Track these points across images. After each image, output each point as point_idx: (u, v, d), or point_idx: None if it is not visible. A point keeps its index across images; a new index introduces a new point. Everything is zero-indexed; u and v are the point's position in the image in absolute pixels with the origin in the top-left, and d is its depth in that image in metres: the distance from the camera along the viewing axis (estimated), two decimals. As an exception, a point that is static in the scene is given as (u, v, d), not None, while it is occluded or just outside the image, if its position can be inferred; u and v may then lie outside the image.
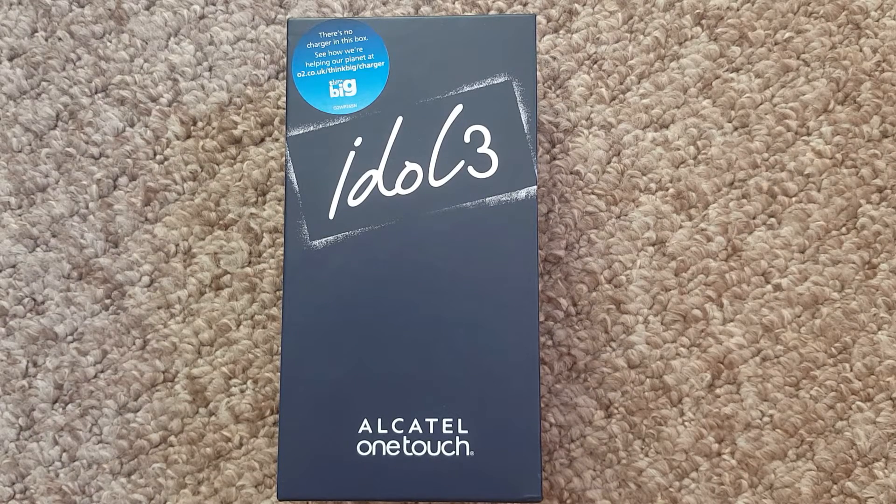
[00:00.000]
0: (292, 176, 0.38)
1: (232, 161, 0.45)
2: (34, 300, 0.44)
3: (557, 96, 0.45)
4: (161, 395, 0.44)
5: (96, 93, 0.45)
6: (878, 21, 0.45)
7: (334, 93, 0.39)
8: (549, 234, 0.44)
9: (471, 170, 0.38)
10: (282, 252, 0.44)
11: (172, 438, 0.43)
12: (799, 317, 0.43)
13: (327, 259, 0.38)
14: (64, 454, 0.43)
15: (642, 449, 0.43)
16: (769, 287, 0.44)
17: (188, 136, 0.45)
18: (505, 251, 0.38)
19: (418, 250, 0.38)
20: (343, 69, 0.39)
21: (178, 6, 0.46)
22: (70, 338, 0.44)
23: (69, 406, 0.43)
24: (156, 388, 0.44)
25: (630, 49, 0.45)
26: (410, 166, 0.38)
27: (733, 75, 0.45)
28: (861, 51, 0.45)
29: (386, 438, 0.37)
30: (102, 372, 0.44)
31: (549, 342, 0.43)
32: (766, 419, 0.43)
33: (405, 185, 0.38)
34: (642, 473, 0.43)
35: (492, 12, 0.45)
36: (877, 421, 0.43)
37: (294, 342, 0.37)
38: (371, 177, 0.38)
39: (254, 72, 0.45)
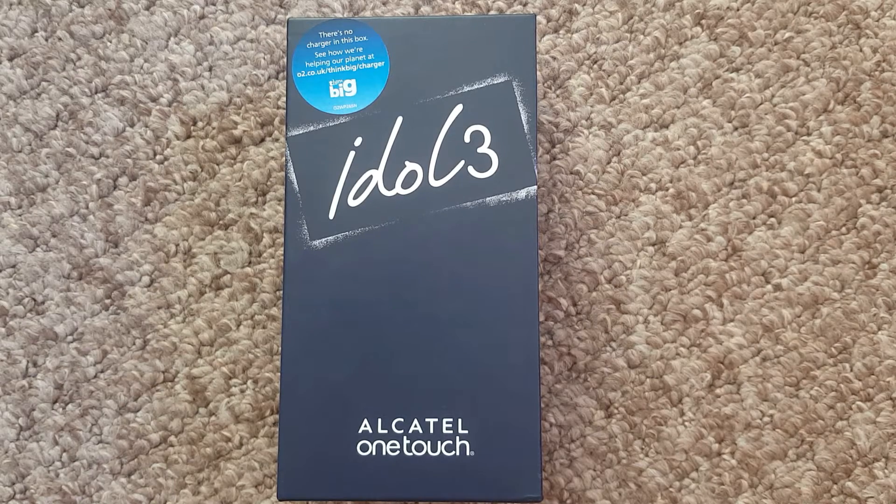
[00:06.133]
0: (292, 176, 0.38)
1: (232, 161, 0.45)
2: (34, 300, 0.44)
3: (557, 96, 0.45)
4: (161, 395, 0.44)
5: (96, 93, 0.45)
6: (878, 21, 0.45)
7: (334, 93, 0.39)
8: (549, 234, 0.44)
9: (471, 170, 0.38)
10: (282, 252, 0.44)
11: (172, 438, 0.43)
12: (799, 317, 0.43)
13: (327, 259, 0.38)
14: (64, 454, 0.43)
15: (642, 449, 0.43)
16: (769, 287, 0.44)
17: (188, 136, 0.45)
18: (505, 251, 0.38)
19: (418, 250, 0.38)
20: (343, 69, 0.39)
21: (178, 6, 0.46)
22: (70, 338, 0.44)
23: (69, 406, 0.43)
24: (156, 388, 0.44)
25: (630, 49, 0.45)
26: (410, 166, 0.38)
27: (733, 75, 0.45)
28: (861, 51, 0.45)
29: (386, 438, 0.37)
30: (102, 372, 0.44)
31: (549, 342, 0.43)
32: (766, 419, 0.43)
33: (405, 185, 0.38)
34: (642, 473, 0.43)
35: (492, 12, 0.45)
36: (877, 421, 0.43)
37: (294, 342, 0.37)
38: (371, 177, 0.38)
39: (254, 72, 0.45)
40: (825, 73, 0.45)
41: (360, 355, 0.37)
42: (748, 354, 0.43)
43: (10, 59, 0.46)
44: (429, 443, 0.37)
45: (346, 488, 0.37)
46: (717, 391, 0.43)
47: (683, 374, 0.43)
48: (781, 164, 0.44)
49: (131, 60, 0.46)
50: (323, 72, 0.39)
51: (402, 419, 0.37)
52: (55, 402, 0.44)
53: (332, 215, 0.38)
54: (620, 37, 0.45)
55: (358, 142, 0.38)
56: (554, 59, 0.45)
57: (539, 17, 0.45)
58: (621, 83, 0.45)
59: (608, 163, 0.45)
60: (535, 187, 0.38)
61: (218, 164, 0.45)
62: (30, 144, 0.45)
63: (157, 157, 0.45)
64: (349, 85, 0.39)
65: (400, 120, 0.38)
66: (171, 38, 0.46)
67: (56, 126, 0.45)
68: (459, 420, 0.37)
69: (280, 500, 0.38)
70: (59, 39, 0.46)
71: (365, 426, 0.37)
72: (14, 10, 0.46)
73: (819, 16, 0.45)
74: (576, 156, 0.45)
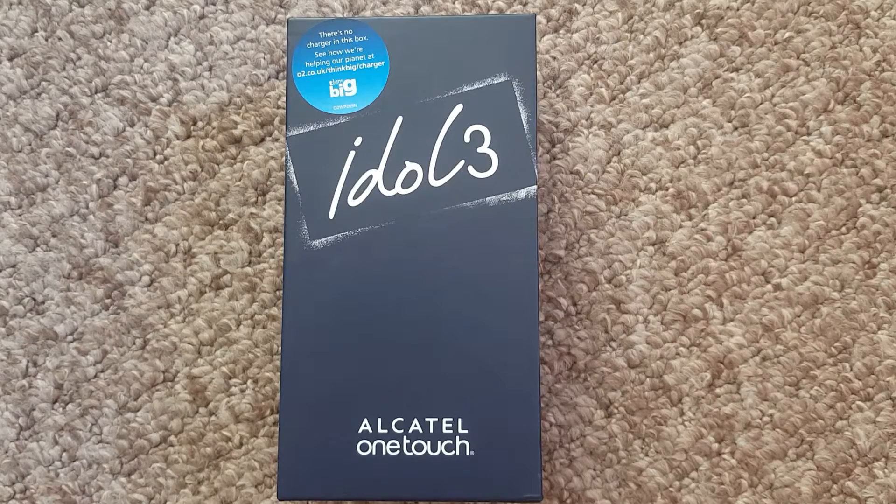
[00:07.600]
0: (292, 176, 0.38)
1: (232, 161, 0.45)
2: (34, 300, 0.44)
3: (557, 96, 0.45)
4: (161, 395, 0.44)
5: (96, 93, 0.45)
6: (878, 21, 0.45)
7: (334, 93, 0.39)
8: (549, 234, 0.44)
9: (471, 170, 0.38)
10: (282, 252, 0.44)
11: (172, 438, 0.43)
12: (799, 316, 0.43)
13: (327, 259, 0.38)
14: (64, 454, 0.43)
15: (642, 449, 0.43)
16: (769, 287, 0.44)
17: (188, 136, 0.45)
18: (505, 251, 0.38)
19: (418, 250, 0.38)
20: (343, 69, 0.39)
21: (178, 6, 0.46)
22: (70, 338, 0.44)
23: (69, 406, 0.43)
24: (156, 387, 0.44)
25: (630, 49, 0.45)
26: (410, 166, 0.38)
27: (733, 75, 0.45)
28: (861, 51, 0.45)
29: (386, 438, 0.37)
30: (102, 372, 0.44)
31: (549, 342, 0.43)
32: (766, 419, 0.43)
33: (405, 185, 0.38)
34: (642, 473, 0.43)
35: (492, 12, 0.45)
36: (877, 421, 0.43)
37: (294, 342, 0.37)
38: (371, 177, 0.38)
39: (254, 72, 0.45)
40: (825, 72, 0.45)
41: (360, 355, 0.37)
42: (748, 354, 0.43)
43: (10, 59, 0.46)
44: (429, 443, 0.37)
45: (346, 488, 0.37)
46: (717, 391, 0.43)
47: (683, 374, 0.43)
48: (781, 164, 0.44)
49: (131, 60, 0.46)
50: (323, 72, 0.39)
51: (402, 419, 0.37)
52: (55, 401, 0.44)
53: (332, 215, 0.38)
54: (620, 37, 0.45)
55: (358, 142, 0.38)
56: (554, 58, 0.45)
57: (539, 17, 0.45)
58: (621, 83, 0.45)
59: (608, 163, 0.45)
60: (535, 187, 0.38)
61: (218, 164, 0.45)
62: (30, 144, 0.45)
63: (157, 156, 0.45)
64: (349, 85, 0.39)
65: (400, 120, 0.38)
66: (171, 38, 0.46)
67: (56, 126, 0.45)
68: (459, 420, 0.37)
69: (280, 500, 0.38)
70: (59, 39, 0.46)
71: (365, 426, 0.37)
72: (14, 10, 0.46)
73: (819, 16, 0.45)
74: (576, 156, 0.45)
